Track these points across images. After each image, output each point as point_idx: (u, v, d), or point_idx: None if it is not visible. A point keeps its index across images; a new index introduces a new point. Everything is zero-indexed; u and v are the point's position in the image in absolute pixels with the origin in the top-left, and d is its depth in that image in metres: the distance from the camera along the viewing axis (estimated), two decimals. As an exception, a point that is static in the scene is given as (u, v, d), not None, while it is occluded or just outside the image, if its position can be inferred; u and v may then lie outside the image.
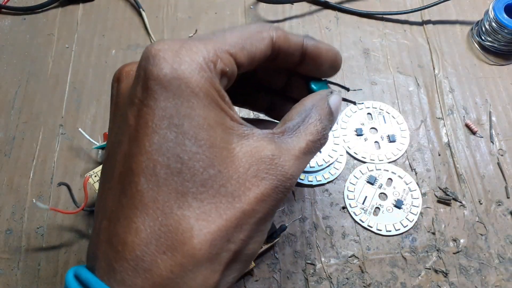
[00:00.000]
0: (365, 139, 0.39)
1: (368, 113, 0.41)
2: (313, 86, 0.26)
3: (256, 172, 0.20)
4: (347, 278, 0.34)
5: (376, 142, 0.39)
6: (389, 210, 0.36)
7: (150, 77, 0.19)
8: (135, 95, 0.20)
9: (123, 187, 0.20)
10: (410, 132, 0.40)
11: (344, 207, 0.37)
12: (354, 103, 0.30)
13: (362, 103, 0.41)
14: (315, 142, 0.23)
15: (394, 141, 0.39)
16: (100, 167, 0.35)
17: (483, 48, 0.44)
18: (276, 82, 0.28)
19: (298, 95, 0.26)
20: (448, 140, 0.39)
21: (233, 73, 0.22)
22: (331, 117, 0.24)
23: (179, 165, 0.19)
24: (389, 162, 0.38)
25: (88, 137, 0.37)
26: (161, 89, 0.19)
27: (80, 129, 0.38)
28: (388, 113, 0.41)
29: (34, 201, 0.33)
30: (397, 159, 0.38)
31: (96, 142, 0.37)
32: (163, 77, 0.19)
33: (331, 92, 0.25)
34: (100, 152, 0.39)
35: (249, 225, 0.20)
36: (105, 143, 0.35)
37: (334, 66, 0.26)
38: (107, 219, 0.20)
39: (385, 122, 0.40)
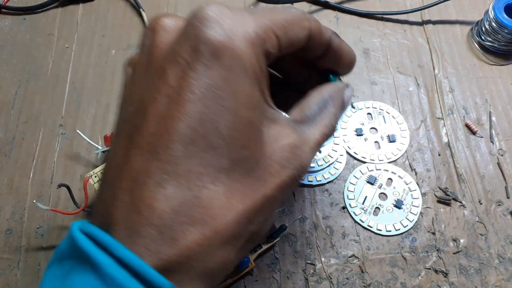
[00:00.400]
0: (365, 139, 0.39)
1: (368, 113, 0.41)
2: (332, 79, 0.26)
3: (279, 160, 0.21)
4: (347, 278, 0.34)
5: (376, 142, 0.39)
6: (389, 210, 0.36)
7: (202, 40, 0.18)
8: (179, 54, 0.19)
9: (155, 150, 0.19)
10: (410, 132, 0.40)
11: (344, 207, 0.37)
12: (353, 106, 0.30)
13: (361, 109, 0.41)
14: (326, 135, 0.23)
15: (394, 141, 0.39)
16: (100, 167, 0.35)
17: (483, 48, 0.44)
18: (299, 74, 0.28)
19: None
20: (448, 140, 0.39)
21: (273, 56, 0.21)
22: (342, 111, 0.24)
23: (218, 140, 0.19)
24: (389, 162, 0.38)
25: (87, 139, 0.37)
26: (212, 56, 0.18)
27: (78, 130, 0.38)
28: (388, 113, 0.41)
29: (34, 202, 0.33)
30: (397, 159, 0.38)
31: (95, 144, 0.37)
32: (217, 44, 0.18)
33: (347, 86, 0.25)
34: (99, 156, 0.39)
35: (268, 209, 0.21)
36: (106, 147, 0.35)
37: (350, 66, 0.26)
38: (130, 179, 0.19)
39: (385, 122, 0.40)
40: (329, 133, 0.23)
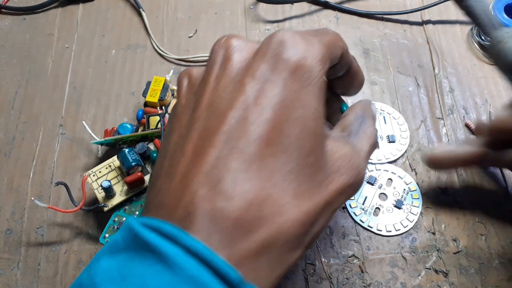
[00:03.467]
0: (365, 139, 0.39)
1: (368, 113, 0.41)
2: (344, 107, 0.29)
3: (338, 168, 0.23)
4: (347, 278, 0.34)
5: (376, 142, 0.39)
6: (389, 210, 0.36)
7: (281, 59, 0.22)
8: (257, 70, 0.22)
9: (231, 148, 0.20)
10: (410, 133, 0.40)
11: (344, 207, 0.37)
12: None
13: None
14: (374, 146, 0.26)
15: (393, 142, 0.39)
16: (98, 166, 0.35)
17: (483, 48, 0.44)
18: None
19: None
20: (448, 140, 0.39)
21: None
22: (375, 123, 0.27)
23: (289, 145, 0.21)
24: (388, 162, 0.38)
25: (90, 130, 0.37)
26: (289, 74, 0.21)
27: (83, 122, 0.38)
28: (389, 114, 0.41)
29: (32, 199, 0.33)
30: (397, 159, 0.38)
31: (96, 137, 0.37)
32: (294, 63, 0.21)
33: (370, 102, 0.28)
34: (100, 149, 0.39)
35: (328, 213, 0.22)
36: (104, 139, 0.35)
37: (360, 87, 0.29)
38: (206, 174, 0.20)
39: (385, 123, 0.40)
40: (375, 143, 0.26)
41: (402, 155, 0.39)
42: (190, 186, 0.20)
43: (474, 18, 0.33)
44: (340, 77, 0.27)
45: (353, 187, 0.24)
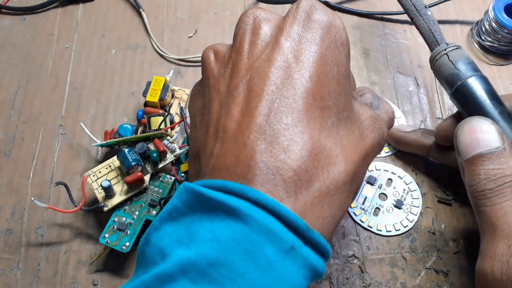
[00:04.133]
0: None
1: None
2: None
3: (367, 126, 0.24)
4: (347, 278, 0.34)
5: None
6: (389, 210, 0.36)
7: (312, 19, 0.23)
8: (291, 31, 0.23)
9: (280, 106, 0.21)
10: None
11: (344, 207, 0.36)
12: None
13: None
14: (392, 120, 0.27)
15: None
16: (98, 166, 0.35)
17: (483, 48, 0.44)
18: None
19: None
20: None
21: None
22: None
23: (329, 100, 0.22)
24: (386, 156, 0.38)
25: (89, 133, 0.37)
26: (322, 32, 0.23)
27: (81, 123, 0.38)
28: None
29: (32, 199, 0.33)
30: (390, 155, 0.38)
31: (96, 140, 0.37)
32: (326, 23, 0.23)
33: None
34: (100, 150, 0.39)
35: (365, 165, 0.24)
36: (105, 141, 0.35)
37: None
38: (261, 132, 0.21)
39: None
40: (393, 119, 0.28)
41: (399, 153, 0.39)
42: (247, 144, 0.21)
43: (421, 34, 0.36)
44: None
45: (379, 146, 0.25)
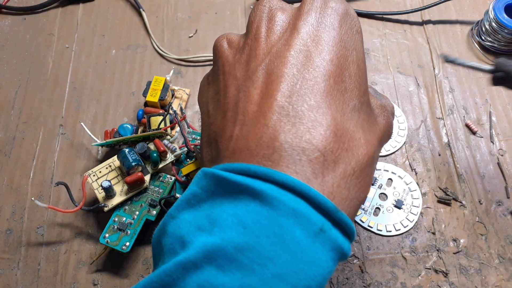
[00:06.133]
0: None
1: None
2: None
3: (379, 113, 0.25)
4: (347, 278, 0.34)
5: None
6: (389, 210, 0.36)
7: (329, 6, 0.23)
8: (308, 17, 0.23)
9: (302, 89, 0.21)
10: (410, 132, 0.40)
11: (344, 207, 0.37)
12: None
13: None
14: (392, 114, 0.27)
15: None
16: (99, 166, 0.35)
17: (483, 48, 0.44)
18: None
19: None
20: (448, 140, 0.39)
21: None
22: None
23: (350, 84, 0.22)
24: (386, 155, 0.38)
25: (89, 132, 0.37)
26: (339, 17, 0.23)
27: (82, 123, 0.38)
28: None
29: (32, 199, 0.33)
30: (391, 153, 0.38)
31: (96, 139, 0.37)
32: (342, 9, 0.23)
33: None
34: (100, 149, 0.39)
35: (380, 149, 0.24)
36: (105, 141, 0.35)
37: None
38: (284, 114, 0.21)
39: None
40: (393, 113, 0.27)
41: (399, 152, 0.39)
42: (270, 125, 0.21)
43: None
44: None
45: (389, 133, 0.25)
